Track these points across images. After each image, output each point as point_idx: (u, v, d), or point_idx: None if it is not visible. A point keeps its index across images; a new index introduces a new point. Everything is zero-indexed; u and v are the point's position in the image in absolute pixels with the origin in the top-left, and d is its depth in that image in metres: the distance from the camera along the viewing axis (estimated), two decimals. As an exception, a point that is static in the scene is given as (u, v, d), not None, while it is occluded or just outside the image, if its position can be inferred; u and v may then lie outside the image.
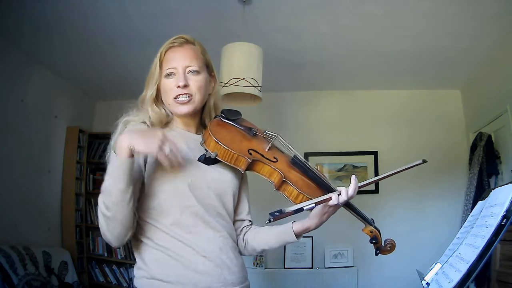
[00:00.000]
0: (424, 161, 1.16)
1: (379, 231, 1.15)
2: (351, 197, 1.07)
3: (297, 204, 1.06)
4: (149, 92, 1.19)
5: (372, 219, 1.18)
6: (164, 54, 1.19)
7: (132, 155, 0.98)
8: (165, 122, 1.21)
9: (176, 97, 1.16)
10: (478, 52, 3.30)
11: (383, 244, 1.16)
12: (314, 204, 1.00)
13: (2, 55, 3.12)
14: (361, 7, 2.69)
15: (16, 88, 3.30)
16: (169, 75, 1.17)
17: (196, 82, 1.17)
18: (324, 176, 1.20)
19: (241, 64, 2.27)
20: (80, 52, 3.36)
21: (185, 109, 1.17)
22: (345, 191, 1.06)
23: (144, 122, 1.17)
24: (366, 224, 1.16)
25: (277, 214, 0.92)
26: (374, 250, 1.16)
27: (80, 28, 2.94)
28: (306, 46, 3.29)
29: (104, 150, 4.54)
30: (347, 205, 1.11)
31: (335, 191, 1.09)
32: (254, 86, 2.26)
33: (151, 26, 2.92)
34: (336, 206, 1.08)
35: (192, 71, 1.17)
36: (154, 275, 1.07)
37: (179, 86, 1.14)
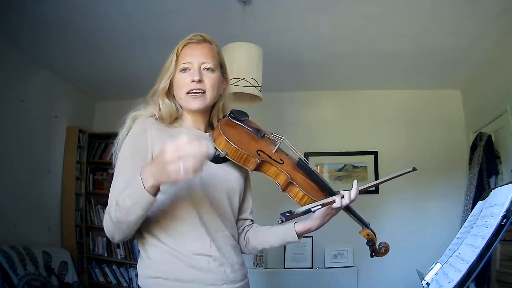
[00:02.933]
0: (414, 169, 1.20)
1: (375, 234, 1.20)
2: (353, 201, 1.11)
3: (302, 205, 1.11)
4: (162, 84, 1.19)
5: (368, 222, 1.22)
6: (181, 50, 1.20)
7: (158, 190, 0.96)
8: (174, 117, 1.21)
9: (189, 92, 1.17)
10: (478, 52, 3.30)
11: (378, 247, 1.21)
12: (320, 206, 1.04)
13: (2, 55, 3.12)
14: (361, 7, 2.69)
15: (16, 88, 3.30)
16: (184, 69, 1.18)
17: (210, 79, 1.18)
18: (324, 178, 1.24)
19: (241, 64, 2.27)
20: (80, 52, 3.36)
21: (197, 104, 1.18)
22: (347, 195, 1.10)
23: (152, 116, 1.18)
24: (363, 227, 1.20)
25: (288, 214, 0.96)
26: (370, 252, 1.20)
27: (80, 28, 2.94)
28: (306, 46, 3.29)
29: (104, 150, 4.51)
30: (347, 208, 1.14)
31: (336, 193, 1.14)
32: (254, 86, 2.26)
33: (151, 26, 2.92)
34: (338, 209, 1.11)
35: (207, 69, 1.18)
36: (159, 274, 1.08)
37: (193, 81, 1.16)
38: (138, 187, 0.94)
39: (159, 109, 1.19)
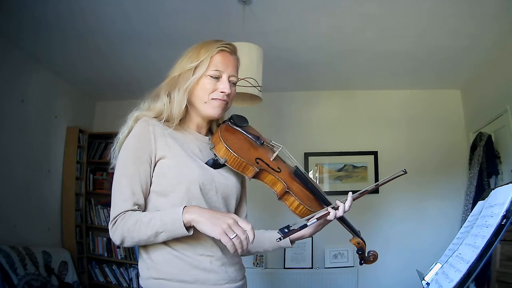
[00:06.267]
0: (405, 172, 1.25)
1: (365, 242, 1.23)
2: (346, 212, 1.16)
3: (297, 213, 1.15)
4: (190, 83, 1.17)
5: (359, 230, 1.25)
6: (215, 55, 1.19)
7: (190, 227, 1.02)
8: (179, 118, 1.20)
9: (214, 98, 1.19)
10: (478, 52, 3.30)
11: (367, 255, 1.24)
12: (316, 220, 1.09)
13: (2, 55, 3.12)
14: (361, 7, 2.69)
15: (16, 88, 3.30)
16: (214, 76, 1.18)
17: (233, 92, 1.23)
18: (320, 187, 1.26)
19: (241, 64, 2.26)
20: (80, 52, 3.36)
21: (220, 112, 1.21)
22: (342, 207, 1.14)
23: (158, 116, 1.18)
24: (354, 236, 1.23)
25: (286, 231, 1.03)
26: (359, 260, 1.24)
27: (80, 28, 2.94)
28: (306, 46, 3.28)
29: (104, 150, 4.51)
30: (340, 217, 1.17)
31: (330, 203, 1.17)
32: (254, 86, 2.26)
33: (151, 26, 2.92)
34: (332, 219, 1.15)
35: (232, 82, 1.22)
36: (162, 275, 1.09)
37: (223, 92, 1.18)
38: (175, 221, 1.00)
39: (173, 106, 1.17)
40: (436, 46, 3.21)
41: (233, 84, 1.22)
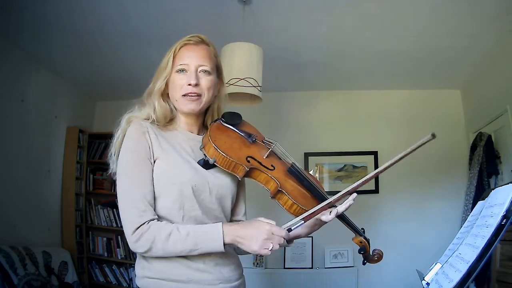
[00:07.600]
0: (433, 136, 1.06)
1: (368, 241, 1.18)
2: (342, 213, 1.13)
3: (291, 212, 1.13)
4: (158, 85, 1.19)
5: (362, 229, 1.21)
6: (179, 50, 1.19)
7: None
8: (168, 119, 1.22)
9: (185, 94, 1.17)
10: (478, 52, 3.29)
11: (371, 254, 1.19)
12: (302, 221, 1.08)
13: (2, 55, 3.12)
14: (361, 7, 2.69)
15: (16, 88, 3.29)
16: (180, 71, 1.17)
17: (206, 82, 1.18)
18: (320, 185, 1.23)
19: (241, 64, 2.26)
20: (80, 52, 3.36)
21: (192, 106, 1.18)
22: (334, 211, 1.11)
23: (147, 119, 1.18)
24: (356, 234, 1.19)
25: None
26: (363, 259, 1.20)
27: (80, 28, 2.94)
28: (306, 46, 3.28)
29: (104, 150, 4.48)
30: (340, 216, 1.14)
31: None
32: (254, 86, 2.26)
33: (151, 26, 2.92)
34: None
35: (203, 71, 1.18)
36: (156, 275, 1.09)
37: (190, 84, 1.15)
38: (216, 240, 1.03)
39: (154, 110, 1.19)
40: (436, 46, 3.21)
41: (206, 73, 1.18)
